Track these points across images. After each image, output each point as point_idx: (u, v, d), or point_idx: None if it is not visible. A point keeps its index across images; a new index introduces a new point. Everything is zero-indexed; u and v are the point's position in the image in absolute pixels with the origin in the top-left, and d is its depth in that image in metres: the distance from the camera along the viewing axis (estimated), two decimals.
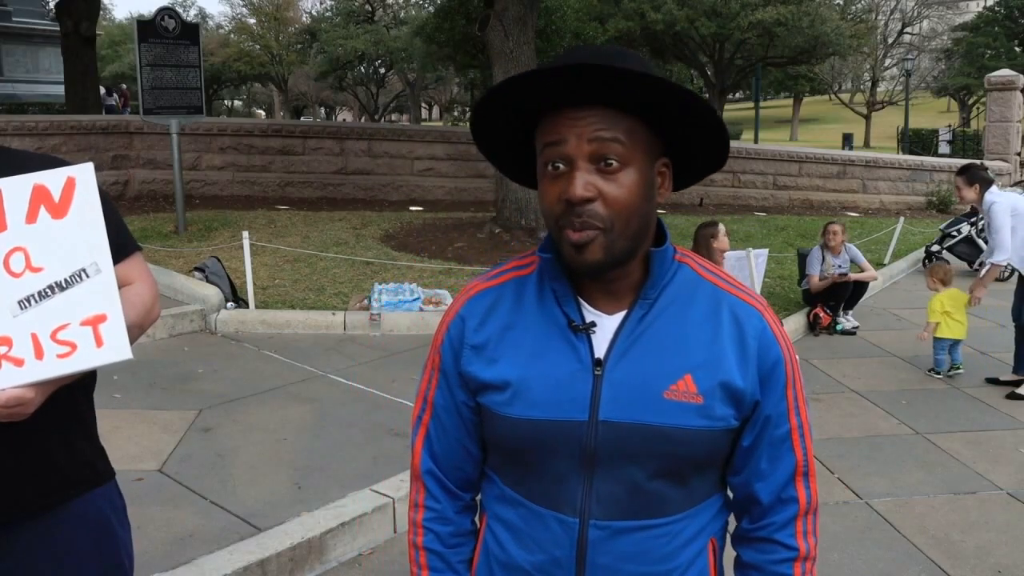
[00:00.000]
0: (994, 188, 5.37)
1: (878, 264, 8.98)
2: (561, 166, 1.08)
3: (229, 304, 6.38)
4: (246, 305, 6.41)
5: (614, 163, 1.06)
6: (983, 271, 5.57)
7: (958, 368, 5.73)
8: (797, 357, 1.22)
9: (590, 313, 1.16)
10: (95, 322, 1.27)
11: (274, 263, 7.77)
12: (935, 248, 9.59)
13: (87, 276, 1.28)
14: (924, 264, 9.48)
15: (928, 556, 3.36)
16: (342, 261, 7.88)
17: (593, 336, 1.14)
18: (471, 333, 1.20)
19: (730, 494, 1.27)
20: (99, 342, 1.27)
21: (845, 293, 6.94)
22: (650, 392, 1.12)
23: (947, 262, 7.47)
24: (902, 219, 10.76)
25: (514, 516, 1.21)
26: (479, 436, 1.24)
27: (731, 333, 1.15)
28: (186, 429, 4.24)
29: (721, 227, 5.95)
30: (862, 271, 7.18)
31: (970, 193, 5.41)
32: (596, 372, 1.13)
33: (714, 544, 1.23)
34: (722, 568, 1.27)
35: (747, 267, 6.77)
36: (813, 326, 6.88)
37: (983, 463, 4.30)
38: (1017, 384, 5.38)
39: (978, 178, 5.39)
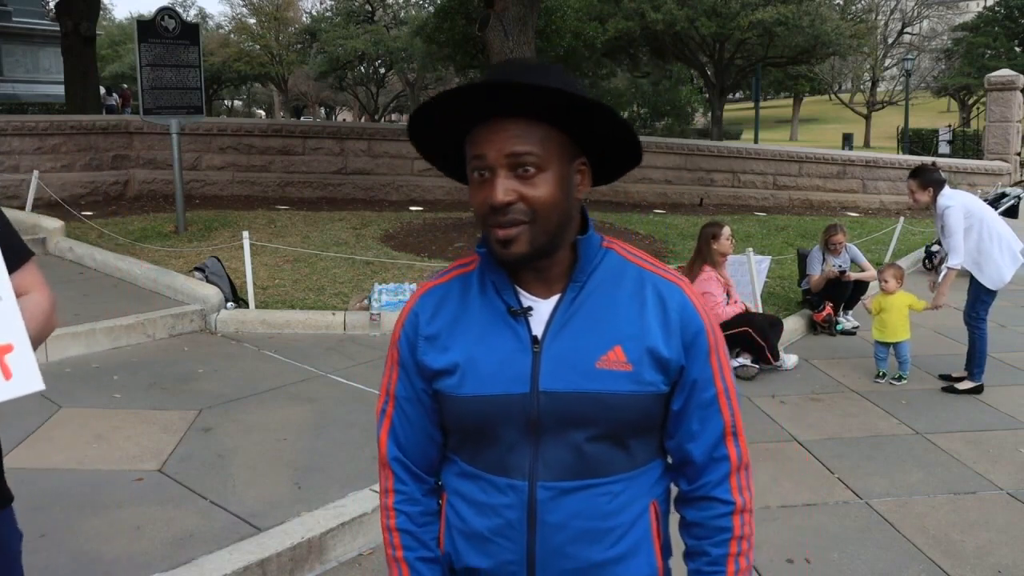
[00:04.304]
0: (946, 190, 5.35)
1: (878, 264, 8.95)
2: (485, 174, 1.21)
3: (229, 304, 6.38)
4: (246, 305, 6.41)
5: (531, 169, 1.19)
6: (940, 277, 5.55)
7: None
8: (719, 329, 1.33)
9: (527, 299, 1.29)
10: (0, 353, 1.19)
11: (274, 263, 7.77)
12: (935, 248, 9.57)
13: None
14: (924, 264, 9.48)
15: (928, 556, 3.36)
16: (342, 261, 7.88)
17: (531, 319, 1.27)
18: (424, 326, 1.32)
19: (669, 460, 1.39)
20: (7, 374, 1.19)
21: (845, 293, 6.94)
22: (584, 363, 1.24)
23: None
24: (902, 219, 10.76)
25: (472, 488, 1.31)
26: (439, 421, 1.35)
27: (655, 307, 1.28)
28: (186, 429, 4.25)
29: (725, 229, 5.90)
30: (862, 271, 7.18)
31: (924, 196, 5.38)
32: (535, 349, 1.26)
33: (656, 507, 1.33)
34: (666, 532, 1.37)
35: (747, 269, 6.78)
36: (814, 325, 6.88)
37: (983, 463, 4.30)
38: (959, 380, 5.47)
39: (932, 180, 5.36)
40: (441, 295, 1.34)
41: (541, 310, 1.28)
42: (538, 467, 1.26)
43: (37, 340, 1.33)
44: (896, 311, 5.62)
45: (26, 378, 1.20)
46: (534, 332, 1.26)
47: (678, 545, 1.41)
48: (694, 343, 1.28)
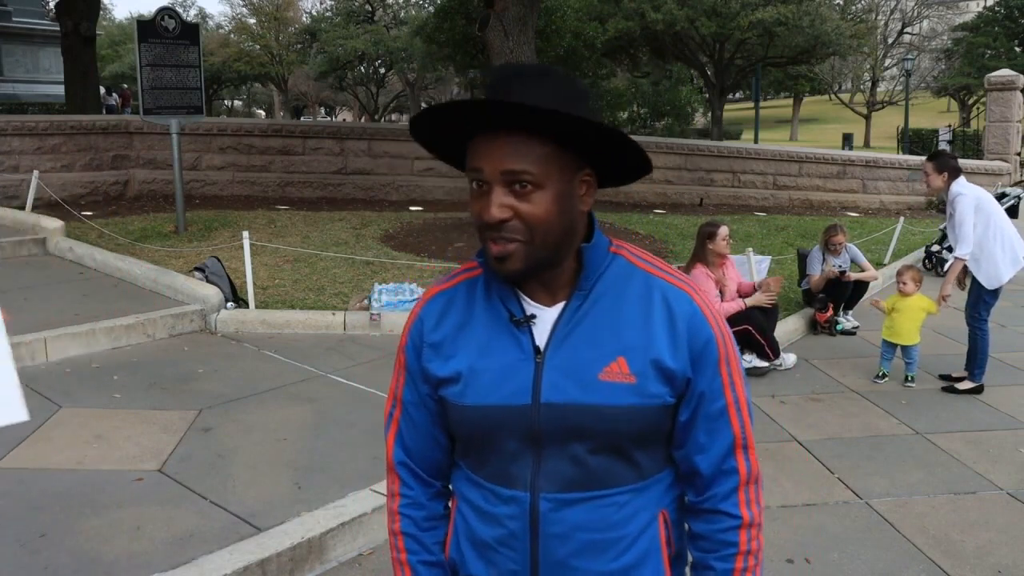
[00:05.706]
0: (962, 179, 5.29)
1: (878, 264, 8.97)
2: (483, 185, 1.17)
3: (229, 304, 6.38)
4: (246, 305, 6.41)
5: (528, 186, 1.14)
6: (947, 267, 5.50)
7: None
8: (732, 336, 1.28)
9: (531, 307, 1.25)
10: None
11: (274, 263, 7.77)
12: (935, 248, 9.58)
13: None
14: (924, 264, 9.47)
15: (928, 556, 3.36)
16: (342, 261, 7.88)
17: (534, 328, 1.24)
18: (429, 333, 1.30)
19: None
20: None
21: (845, 293, 6.93)
22: (586, 375, 1.20)
23: (947, 261, 7.44)
24: (902, 219, 10.77)
25: (478, 497, 1.30)
26: (445, 426, 1.34)
27: (662, 316, 1.23)
28: (186, 429, 4.25)
29: (723, 230, 5.88)
30: (863, 271, 7.18)
31: (938, 180, 5.31)
32: (537, 360, 1.22)
33: (665, 516, 1.30)
34: (679, 542, 1.34)
35: (747, 269, 6.79)
36: (814, 325, 6.88)
37: (983, 463, 4.30)
38: (959, 380, 5.45)
39: (948, 166, 5.29)
40: (447, 301, 1.31)
41: (545, 319, 1.24)
42: (540, 478, 1.23)
43: None
44: (910, 313, 5.58)
45: (10, 408, 1.15)
46: (537, 342, 1.23)
47: None
48: (703, 354, 1.23)
